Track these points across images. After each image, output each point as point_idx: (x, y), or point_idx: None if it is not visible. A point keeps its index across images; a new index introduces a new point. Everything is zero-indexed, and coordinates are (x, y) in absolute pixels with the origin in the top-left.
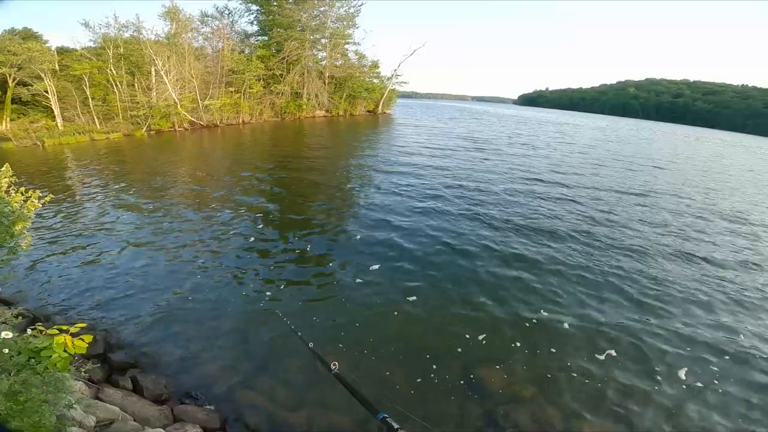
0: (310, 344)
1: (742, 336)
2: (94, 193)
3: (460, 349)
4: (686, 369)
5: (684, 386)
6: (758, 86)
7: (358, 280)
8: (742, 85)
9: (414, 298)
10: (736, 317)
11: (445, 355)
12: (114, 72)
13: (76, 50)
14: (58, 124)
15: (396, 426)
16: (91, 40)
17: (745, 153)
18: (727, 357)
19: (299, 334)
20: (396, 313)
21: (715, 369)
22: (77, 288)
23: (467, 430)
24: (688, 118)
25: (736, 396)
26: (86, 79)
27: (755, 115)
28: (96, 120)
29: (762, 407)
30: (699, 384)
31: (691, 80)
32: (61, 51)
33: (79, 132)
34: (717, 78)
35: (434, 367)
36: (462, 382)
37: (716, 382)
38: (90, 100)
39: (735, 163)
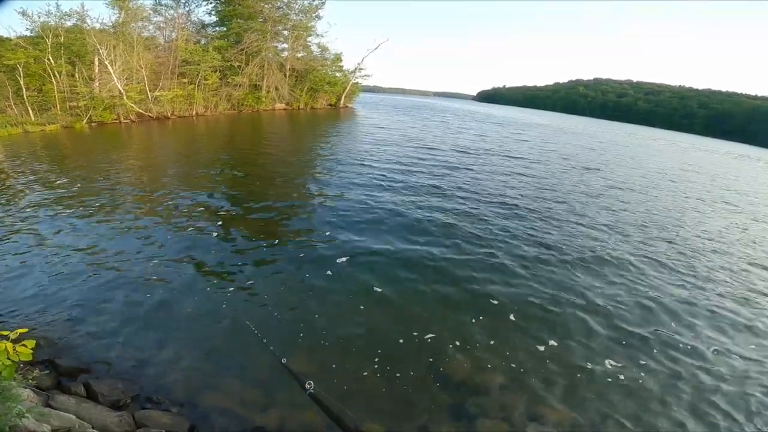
0: (283, 360)
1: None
2: (27, 189)
3: (428, 339)
4: (612, 361)
5: (624, 370)
6: (694, 87)
7: (320, 278)
8: (680, 85)
9: (380, 289)
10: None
11: (412, 347)
12: (53, 62)
13: (11, 39)
14: None
15: None
16: (28, 28)
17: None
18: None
19: (271, 348)
20: (362, 306)
21: (642, 359)
22: (10, 292)
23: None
24: (630, 116)
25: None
26: (20, 69)
27: (690, 115)
28: (30, 111)
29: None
30: (623, 376)
31: (635, 80)
32: None
33: (11, 124)
34: (658, 79)
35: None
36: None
37: (643, 374)
38: (24, 90)
39: None
